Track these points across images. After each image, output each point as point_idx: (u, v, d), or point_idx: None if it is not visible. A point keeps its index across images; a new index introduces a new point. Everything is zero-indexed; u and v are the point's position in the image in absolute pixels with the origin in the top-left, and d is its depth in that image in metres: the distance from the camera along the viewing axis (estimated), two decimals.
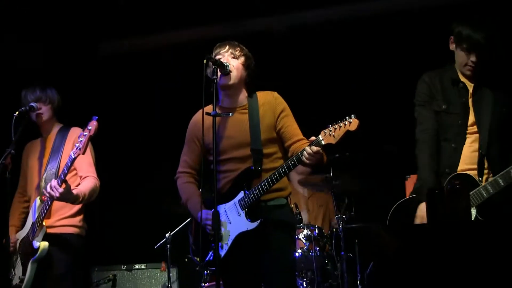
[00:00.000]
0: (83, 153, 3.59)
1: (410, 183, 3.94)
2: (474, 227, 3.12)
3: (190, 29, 5.90)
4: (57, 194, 3.65)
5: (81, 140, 3.57)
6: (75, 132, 4.06)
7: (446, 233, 2.91)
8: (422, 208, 3.36)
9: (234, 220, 3.32)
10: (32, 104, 3.99)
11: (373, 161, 5.25)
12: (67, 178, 3.72)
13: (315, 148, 3.09)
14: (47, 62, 5.83)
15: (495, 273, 2.75)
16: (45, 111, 4.09)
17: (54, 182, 3.66)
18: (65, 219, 3.99)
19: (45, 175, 4.00)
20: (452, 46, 3.51)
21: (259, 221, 3.24)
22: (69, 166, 3.68)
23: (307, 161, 3.12)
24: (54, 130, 4.17)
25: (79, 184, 3.97)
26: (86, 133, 3.55)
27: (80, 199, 3.84)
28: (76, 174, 4.02)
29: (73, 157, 3.63)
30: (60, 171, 3.81)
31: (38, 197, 3.97)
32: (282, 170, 3.20)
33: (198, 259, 3.44)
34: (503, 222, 3.23)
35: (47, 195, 3.70)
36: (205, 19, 5.74)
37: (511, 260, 2.75)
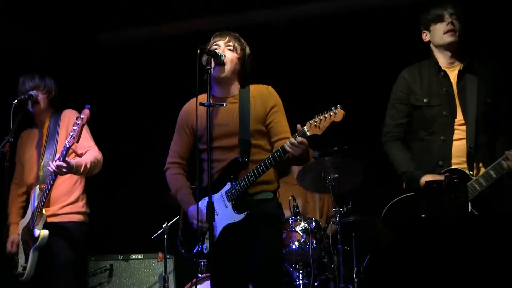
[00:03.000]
0: (77, 142, 3.57)
1: None
2: (470, 221, 3.13)
3: (189, 20, 5.89)
4: (61, 171, 3.66)
5: (75, 129, 3.56)
6: (67, 114, 4.07)
7: (442, 227, 2.92)
8: (425, 178, 3.35)
9: (221, 212, 3.29)
10: (31, 92, 3.97)
11: (371, 155, 5.26)
12: None
13: (299, 139, 3.08)
14: (47, 51, 5.83)
15: (491, 268, 2.77)
16: (41, 99, 4.04)
17: (56, 163, 3.64)
18: (67, 206, 3.97)
19: (42, 162, 3.98)
20: (427, 37, 3.56)
21: (245, 212, 3.23)
22: (64, 155, 3.65)
23: (292, 151, 3.10)
24: (48, 117, 4.12)
25: None
26: (79, 122, 3.55)
27: (82, 169, 3.82)
28: (74, 156, 4.00)
29: (67, 145, 3.61)
30: (56, 157, 3.77)
31: (38, 185, 3.95)
32: (268, 162, 3.18)
33: (184, 250, 3.44)
34: (499, 217, 3.26)
35: (51, 169, 3.67)
36: (204, 10, 5.73)
37: (507, 255, 2.76)
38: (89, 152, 3.95)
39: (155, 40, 6.05)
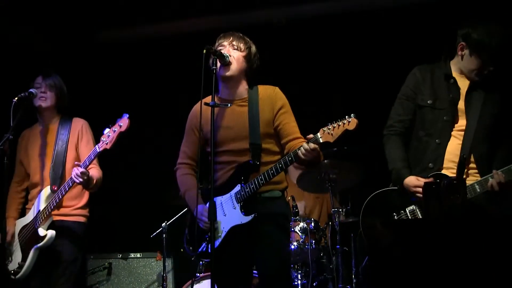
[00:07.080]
0: (109, 148, 3.68)
1: None
2: (468, 222, 3.13)
3: (190, 20, 5.89)
4: (81, 180, 3.79)
5: (109, 135, 3.64)
6: (78, 123, 4.20)
7: (441, 228, 2.93)
8: (408, 181, 3.41)
9: (229, 213, 3.32)
10: (31, 90, 4.01)
11: (370, 155, 5.26)
12: (72, 164, 3.94)
13: (312, 145, 3.10)
14: (47, 49, 5.84)
15: (488, 269, 2.77)
16: (49, 96, 4.12)
17: (79, 170, 3.75)
18: (77, 209, 4.12)
19: (52, 163, 4.07)
20: (463, 51, 3.44)
21: (253, 215, 3.25)
22: (92, 159, 3.78)
23: (304, 158, 3.12)
24: (55, 120, 4.22)
25: None
26: (115, 129, 3.63)
27: (92, 184, 3.95)
28: (77, 164, 4.06)
29: (97, 150, 3.72)
30: (67, 160, 4.05)
31: (48, 186, 4.04)
32: (279, 166, 3.21)
33: (191, 249, 3.46)
34: (495, 219, 3.26)
35: (74, 179, 3.78)
36: (205, 10, 5.73)
37: (503, 257, 2.76)
38: (94, 169, 4.07)
39: (156, 39, 6.05)
